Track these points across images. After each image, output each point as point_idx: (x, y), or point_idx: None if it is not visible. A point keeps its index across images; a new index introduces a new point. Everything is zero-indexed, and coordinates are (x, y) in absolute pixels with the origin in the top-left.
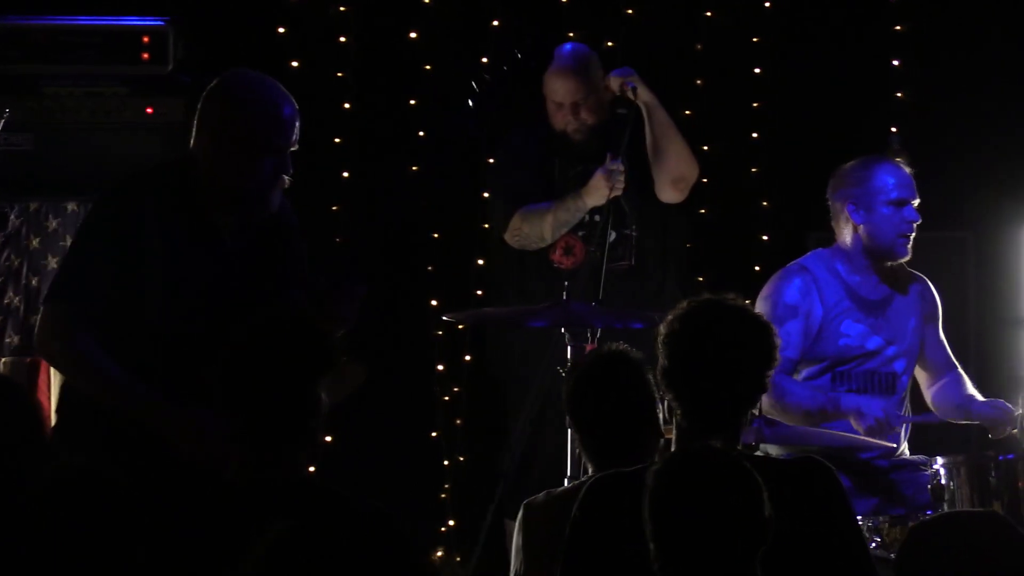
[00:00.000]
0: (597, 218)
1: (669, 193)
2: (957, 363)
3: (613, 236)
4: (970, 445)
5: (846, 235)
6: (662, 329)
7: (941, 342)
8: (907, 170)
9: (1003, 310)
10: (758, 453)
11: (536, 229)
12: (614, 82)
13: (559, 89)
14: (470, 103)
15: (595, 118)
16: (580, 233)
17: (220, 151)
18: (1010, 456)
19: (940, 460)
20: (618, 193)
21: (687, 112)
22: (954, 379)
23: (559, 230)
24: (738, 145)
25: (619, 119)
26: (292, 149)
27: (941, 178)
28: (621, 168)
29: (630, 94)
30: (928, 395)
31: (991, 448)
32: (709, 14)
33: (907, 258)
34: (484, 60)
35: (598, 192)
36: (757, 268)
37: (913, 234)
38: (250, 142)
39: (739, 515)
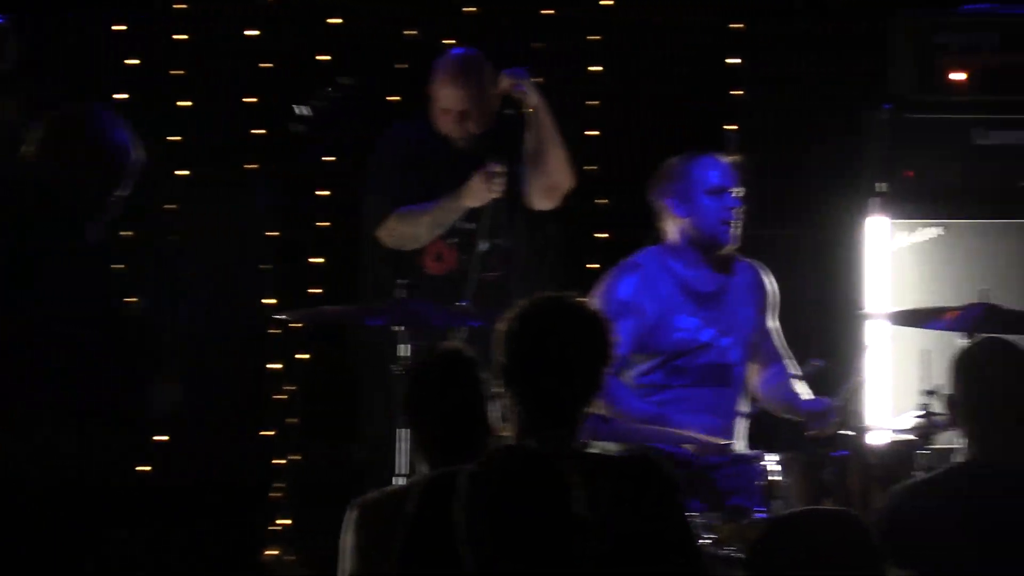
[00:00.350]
0: (471, 226)
1: (543, 200)
2: (789, 354)
3: (486, 246)
4: (803, 441)
5: (673, 231)
6: (501, 327)
7: (774, 331)
8: (727, 161)
9: (839, 308)
10: (594, 450)
11: (412, 229)
12: (505, 81)
13: (448, 96)
14: (301, 108)
15: (481, 127)
16: (453, 240)
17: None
18: (842, 453)
19: (773, 456)
20: (497, 195)
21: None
22: (781, 370)
23: (435, 231)
24: (575, 143)
25: (505, 120)
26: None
27: (777, 176)
28: (502, 171)
29: (519, 96)
30: (754, 382)
31: (824, 445)
32: (548, 12)
33: (733, 245)
34: (327, 57)
35: (477, 193)
36: (594, 266)
37: (738, 221)
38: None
39: (547, 513)
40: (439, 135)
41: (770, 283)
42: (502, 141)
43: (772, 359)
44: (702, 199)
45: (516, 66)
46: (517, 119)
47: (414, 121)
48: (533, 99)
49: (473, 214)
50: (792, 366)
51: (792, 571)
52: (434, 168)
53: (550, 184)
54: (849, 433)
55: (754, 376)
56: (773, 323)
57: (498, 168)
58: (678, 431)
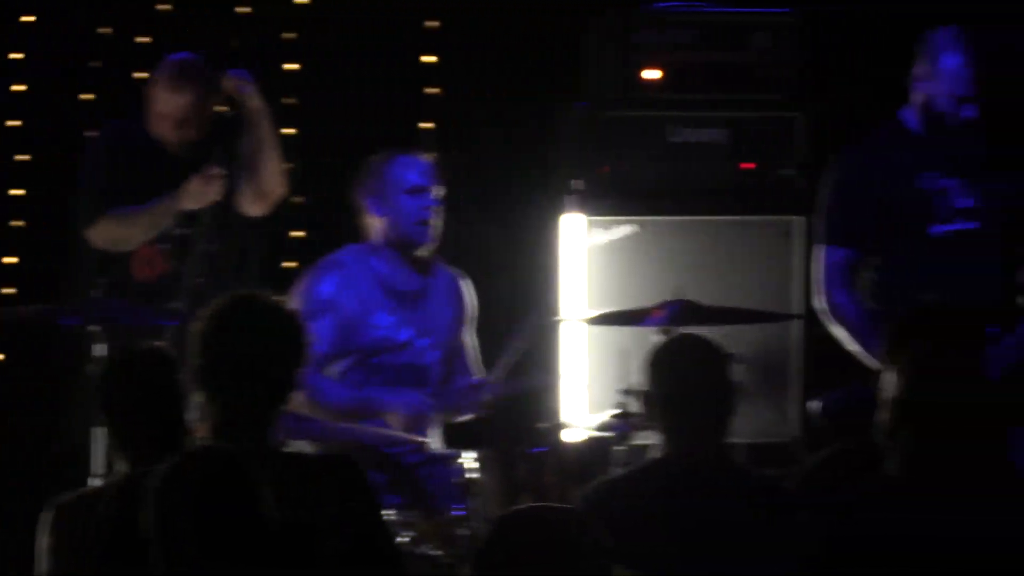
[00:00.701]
0: (185, 231)
1: (255, 206)
2: (481, 371)
3: (202, 250)
4: (500, 439)
5: (373, 229)
6: (194, 327)
7: (470, 346)
8: (426, 160)
9: (540, 303)
10: (289, 450)
11: (124, 231)
12: (227, 83)
13: (166, 101)
14: None
15: (199, 133)
16: (165, 246)
17: None
18: (539, 450)
19: (470, 454)
20: (215, 199)
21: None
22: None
23: (149, 233)
24: None
25: (224, 122)
26: None
27: (473, 173)
28: (221, 173)
29: (241, 99)
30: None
31: (520, 442)
32: (244, 10)
33: (430, 245)
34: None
35: (195, 197)
36: (291, 265)
37: (435, 221)
38: None
39: (237, 514)
40: (155, 137)
41: (470, 296)
42: (221, 144)
43: (463, 373)
44: (400, 198)
45: (230, 66)
46: (236, 121)
47: (129, 121)
48: (255, 102)
49: (187, 218)
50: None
51: (520, 570)
52: (149, 169)
53: (264, 190)
54: (547, 430)
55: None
56: (470, 337)
57: (217, 171)
58: (377, 430)
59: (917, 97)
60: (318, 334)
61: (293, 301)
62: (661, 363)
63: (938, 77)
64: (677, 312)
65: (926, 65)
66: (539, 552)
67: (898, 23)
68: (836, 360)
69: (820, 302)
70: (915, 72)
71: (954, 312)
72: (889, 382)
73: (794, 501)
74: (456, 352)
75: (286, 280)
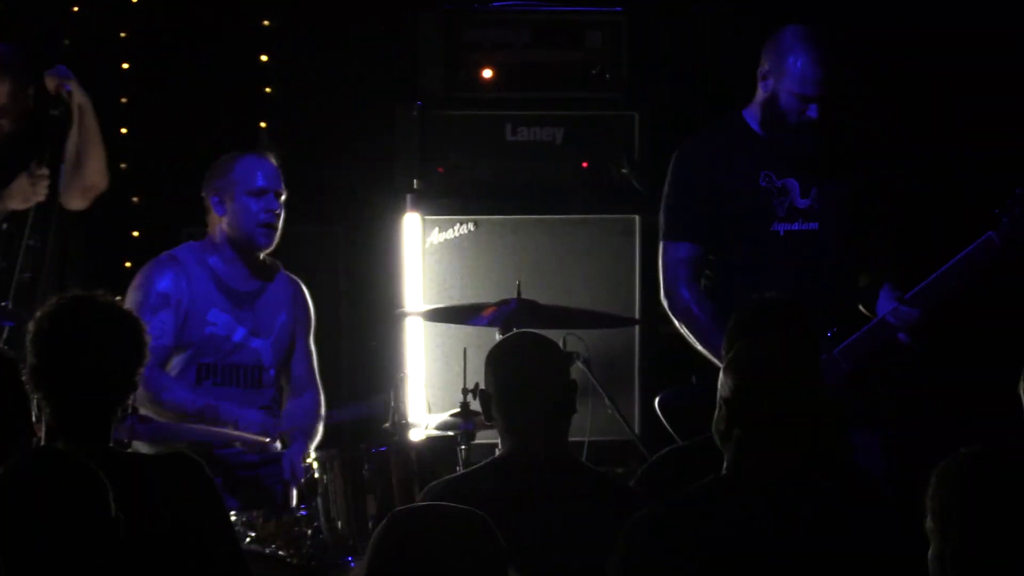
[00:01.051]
0: (4, 226)
1: (78, 201)
2: (319, 383)
3: (29, 247)
4: (343, 438)
5: (214, 227)
6: (31, 327)
7: (308, 354)
8: (273, 162)
9: (377, 305)
10: (130, 450)
11: None
12: (50, 82)
13: None
14: None
15: (14, 126)
16: None
17: None
18: (382, 449)
19: (313, 453)
20: (40, 199)
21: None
22: (309, 401)
23: None
24: (105, 141)
25: (51, 120)
26: None
27: (310, 173)
28: (46, 172)
29: (65, 96)
30: (284, 403)
31: (363, 441)
32: (76, 8)
33: (270, 248)
34: None
35: (18, 196)
36: (129, 264)
37: (276, 224)
38: None
39: (76, 515)
40: None
41: (308, 302)
42: (46, 141)
43: (302, 386)
44: (242, 199)
45: (52, 64)
46: (61, 119)
47: None
48: (79, 98)
49: (11, 215)
50: (320, 399)
51: (413, 569)
52: None
53: (88, 185)
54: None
55: (287, 397)
56: (308, 344)
57: (43, 171)
58: (220, 430)
59: (760, 95)
60: (159, 328)
61: (131, 296)
62: (499, 361)
63: (784, 76)
64: (514, 310)
65: (772, 63)
66: (435, 551)
67: (733, 21)
68: (680, 358)
69: (665, 298)
70: (760, 70)
71: (787, 311)
72: (723, 381)
73: (635, 499)
74: (296, 359)
75: (122, 280)
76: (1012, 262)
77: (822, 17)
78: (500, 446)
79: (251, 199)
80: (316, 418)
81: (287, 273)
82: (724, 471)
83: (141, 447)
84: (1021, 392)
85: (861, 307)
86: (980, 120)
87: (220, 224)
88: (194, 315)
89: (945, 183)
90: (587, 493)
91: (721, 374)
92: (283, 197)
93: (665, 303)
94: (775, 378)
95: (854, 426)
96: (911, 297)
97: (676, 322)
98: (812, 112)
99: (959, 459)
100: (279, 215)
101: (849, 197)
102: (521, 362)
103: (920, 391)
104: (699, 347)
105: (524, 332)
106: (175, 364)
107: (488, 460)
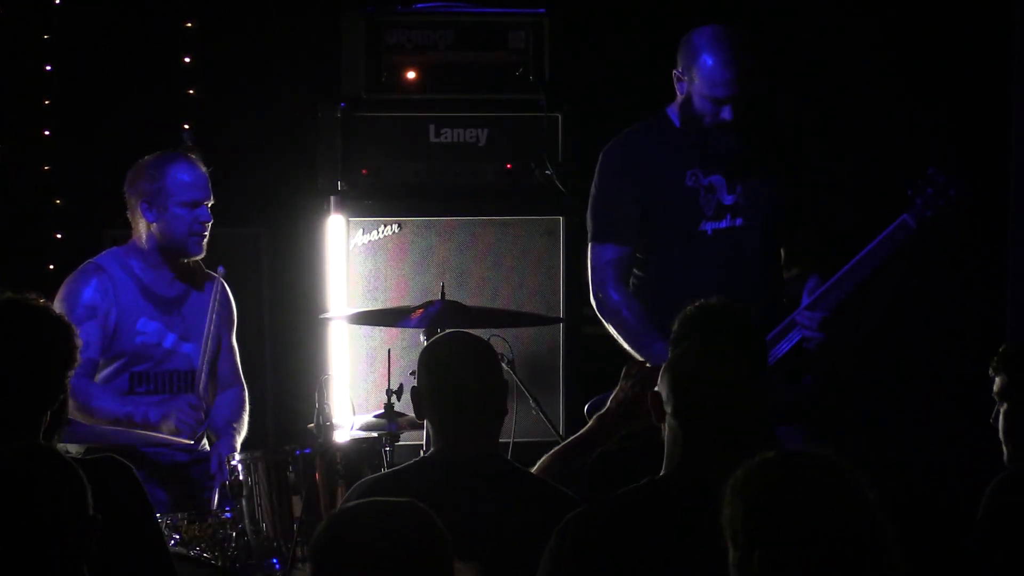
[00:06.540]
0: None
1: None
2: (243, 379)
3: None
4: (267, 439)
5: (141, 232)
6: None
7: (232, 351)
8: (203, 169)
9: (301, 307)
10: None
11: None
12: None
13: None
14: None
15: None
16: None
17: None
18: (307, 450)
19: (237, 456)
20: None
21: None
22: (234, 397)
23: None
24: (27, 143)
25: None
26: None
27: (233, 175)
28: None
29: None
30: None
31: (288, 443)
32: None
33: (201, 256)
34: None
35: None
36: (52, 267)
37: (206, 233)
38: None
39: (63, 512)
40: None
41: (230, 299)
42: None
43: (227, 383)
44: (175, 209)
45: None
46: None
47: None
48: None
49: None
50: (244, 394)
51: (359, 567)
52: None
53: None
54: (316, 430)
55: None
56: (231, 341)
57: None
58: (145, 432)
59: (679, 96)
60: (86, 340)
61: (57, 307)
62: (432, 360)
63: (695, 79)
64: (439, 311)
65: (684, 66)
66: (379, 545)
67: (656, 21)
68: (604, 359)
69: (593, 300)
70: (675, 72)
71: (720, 311)
72: (660, 378)
73: (564, 499)
74: (222, 357)
75: (45, 282)
76: (930, 245)
77: (741, 14)
78: (429, 445)
79: (184, 210)
80: (242, 413)
81: (208, 271)
82: (660, 473)
83: (69, 449)
84: (991, 374)
85: (786, 300)
86: (900, 108)
87: (150, 229)
88: (123, 325)
89: (864, 173)
90: (517, 493)
91: (660, 373)
92: (211, 204)
93: (594, 304)
94: (706, 378)
95: (784, 422)
96: (813, 300)
97: (605, 323)
98: (726, 114)
99: (745, 469)
100: (209, 224)
101: (775, 190)
102: (454, 361)
103: (852, 389)
104: (629, 348)
105: (457, 332)
106: (107, 373)
107: (418, 458)
